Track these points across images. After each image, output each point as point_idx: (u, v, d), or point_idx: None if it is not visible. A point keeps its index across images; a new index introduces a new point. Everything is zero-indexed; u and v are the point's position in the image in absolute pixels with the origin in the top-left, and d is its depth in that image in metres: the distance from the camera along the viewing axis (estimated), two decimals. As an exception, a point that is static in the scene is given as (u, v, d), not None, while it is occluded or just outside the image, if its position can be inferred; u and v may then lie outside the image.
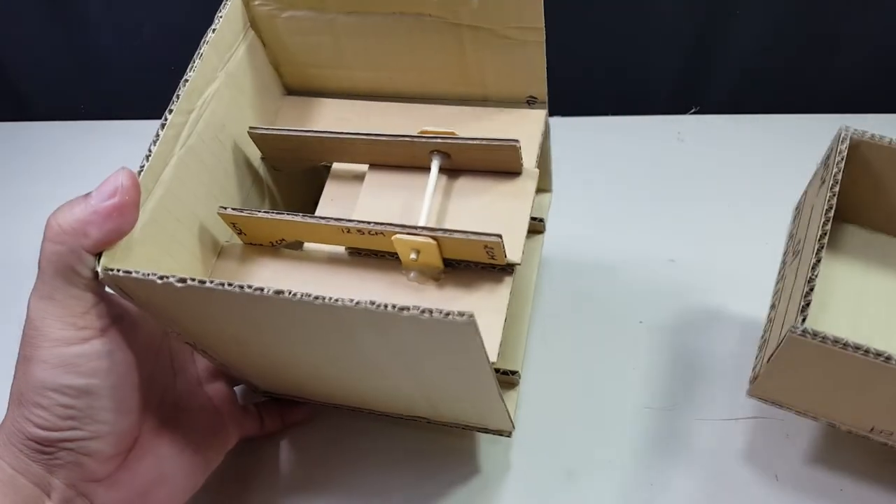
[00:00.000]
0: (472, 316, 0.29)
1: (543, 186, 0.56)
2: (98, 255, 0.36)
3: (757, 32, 0.76)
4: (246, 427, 0.49)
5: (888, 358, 0.39)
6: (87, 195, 0.36)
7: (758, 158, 0.71)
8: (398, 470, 0.52)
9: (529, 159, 0.45)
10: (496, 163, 0.43)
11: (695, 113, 0.75)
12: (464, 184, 0.45)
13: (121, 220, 0.36)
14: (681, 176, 0.70)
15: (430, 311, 0.30)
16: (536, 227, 0.56)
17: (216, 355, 0.44)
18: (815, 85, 0.79)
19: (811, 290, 0.43)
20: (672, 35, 0.77)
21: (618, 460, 0.51)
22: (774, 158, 0.71)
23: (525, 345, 0.51)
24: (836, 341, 0.40)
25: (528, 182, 0.44)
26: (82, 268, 0.36)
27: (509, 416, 0.44)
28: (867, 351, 0.40)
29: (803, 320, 0.41)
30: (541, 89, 0.46)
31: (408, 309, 0.30)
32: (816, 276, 0.42)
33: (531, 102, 0.47)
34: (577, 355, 0.57)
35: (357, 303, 0.30)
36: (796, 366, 0.43)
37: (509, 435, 0.48)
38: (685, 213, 0.67)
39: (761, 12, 0.74)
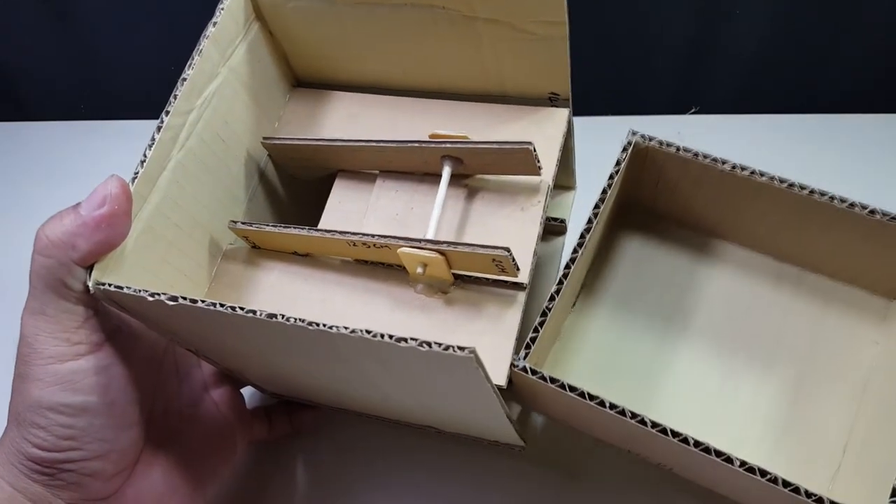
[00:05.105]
0: (472, 351, 0.27)
1: (567, 184, 0.52)
2: (90, 268, 0.33)
3: (757, 32, 0.75)
4: (254, 432, 0.47)
5: (583, 395, 0.35)
6: (77, 205, 0.34)
7: (758, 158, 0.69)
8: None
9: (550, 161, 0.41)
10: (511, 166, 0.40)
11: (695, 113, 0.73)
12: (478, 193, 0.41)
13: (110, 231, 0.33)
14: (681, 176, 0.69)
15: (429, 344, 0.27)
16: (558, 228, 0.52)
17: (219, 361, 0.42)
18: (815, 85, 0.78)
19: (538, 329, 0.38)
20: (672, 35, 0.76)
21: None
22: (774, 158, 0.69)
23: None
24: (549, 379, 0.36)
25: (539, 197, 0.40)
26: (73, 281, 0.33)
27: (519, 435, 0.41)
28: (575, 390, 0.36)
29: (525, 356, 0.37)
30: (563, 86, 0.41)
31: (405, 340, 0.28)
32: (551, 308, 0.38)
33: (553, 100, 0.43)
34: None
35: (353, 331, 0.28)
36: (533, 392, 0.40)
37: (522, 449, 0.45)
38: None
39: (761, 12, 0.73)
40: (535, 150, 0.38)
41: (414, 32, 0.41)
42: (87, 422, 0.35)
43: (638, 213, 0.48)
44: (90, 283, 0.33)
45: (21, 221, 0.68)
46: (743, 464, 0.33)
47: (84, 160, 0.72)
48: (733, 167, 0.41)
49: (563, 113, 0.42)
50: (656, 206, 0.47)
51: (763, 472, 0.32)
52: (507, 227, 0.40)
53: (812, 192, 0.39)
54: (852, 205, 0.38)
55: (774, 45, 0.75)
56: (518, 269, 0.37)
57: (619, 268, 0.47)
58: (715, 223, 0.46)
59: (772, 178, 0.40)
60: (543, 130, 0.42)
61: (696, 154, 0.41)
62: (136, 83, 0.79)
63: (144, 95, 0.79)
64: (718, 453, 0.33)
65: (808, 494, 0.32)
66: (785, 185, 0.39)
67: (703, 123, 0.73)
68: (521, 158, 0.39)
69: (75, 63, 0.80)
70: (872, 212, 0.38)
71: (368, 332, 0.28)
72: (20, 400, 0.35)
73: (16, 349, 0.35)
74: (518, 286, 0.39)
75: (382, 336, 0.28)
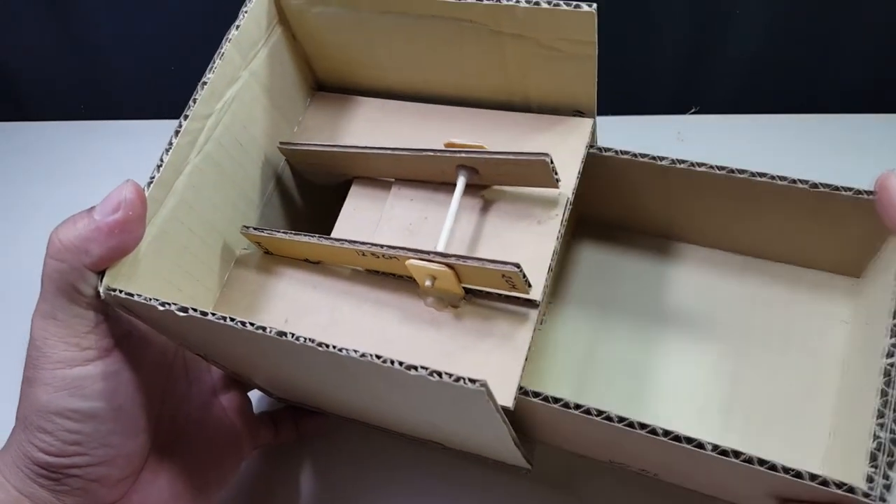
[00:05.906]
0: (484, 384, 0.27)
1: None
2: (101, 273, 0.33)
3: (757, 32, 0.74)
4: (260, 437, 0.47)
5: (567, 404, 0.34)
6: (91, 209, 0.33)
7: (758, 158, 0.69)
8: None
9: (571, 174, 0.39)
10: (528, 178, 0.38)
11: (695, 113, 0.73)
12: (494, 204, 0.40)
13: (124, 236, 0.33)
14: (681, 176, 0.68)
15: (440, 374, 0.27)
16: None
17: (227, 366, 0.41)
18: (815, 85, 0.78)
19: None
20: (672, 35, 0.75)
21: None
22: (774, 158, 0.69)
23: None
24: (535, 393, 0.34)
25: (557, 210, 0.38)
26: (85, 286, 0.33)
27: (525, 458, 0.39)
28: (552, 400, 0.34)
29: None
30: (589, 104, 0.40)
31: (416, 368, 0.28)
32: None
33: (577, 115, 0.42)
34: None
35: (363, 355, 0.28)
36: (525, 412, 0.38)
37: (527, 472, 0.43)
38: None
39: (761, 12, 0.73)
40: (552, 162, 0.36)
41: (439, 44, 0.40)
42: (94, 427, 0.35)
43: (595, 223, 0.48)
44: (101, 289, 0.33)
45: (21, 222, 0.68)
46: (715, 447, 0.31)
47: (84, 160, 0.72)
48: (672, 162, 0.40)
49: (588, 123, 0.41)
50: (611, 215, 0.47)
51: (733, 452, 0.31)
52: (523, 240, 0.38)
53: (752, 174, 0.38)
54: (794, 181, 0.37)
55: (774, 45, 0.75)
56: (529, 285, 0.35)
57: (583, 279, 0.47)
58: (669, 225, 0.46)
59: (711, 167, 0.39)
60: (567, 142, 0.40)
61: (634, 155, 0.40)
62: (136, 83, 0.78)
63: (144, 95, 0.78)
64: (689, 440, 0.31)
65: (766, 462, 0.30)
66: (724, 171, 0.39)
67: (703, 123, 0.73)
68: (538, 170, 0.37)
69: (75, 63, 0.79)
70: (815, 185, 0.37)
71: (378, 356, 0.28)
72: (27, 404, 0.34)
73: (16, 349, 0.35)
74: (530, 303, 0.37)
75: (393, 363, 0.28)
